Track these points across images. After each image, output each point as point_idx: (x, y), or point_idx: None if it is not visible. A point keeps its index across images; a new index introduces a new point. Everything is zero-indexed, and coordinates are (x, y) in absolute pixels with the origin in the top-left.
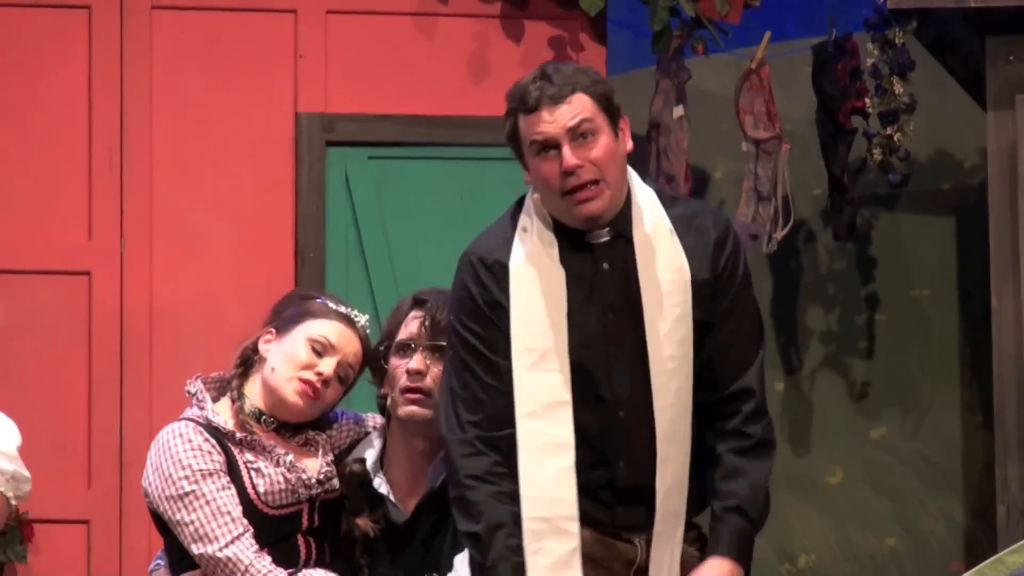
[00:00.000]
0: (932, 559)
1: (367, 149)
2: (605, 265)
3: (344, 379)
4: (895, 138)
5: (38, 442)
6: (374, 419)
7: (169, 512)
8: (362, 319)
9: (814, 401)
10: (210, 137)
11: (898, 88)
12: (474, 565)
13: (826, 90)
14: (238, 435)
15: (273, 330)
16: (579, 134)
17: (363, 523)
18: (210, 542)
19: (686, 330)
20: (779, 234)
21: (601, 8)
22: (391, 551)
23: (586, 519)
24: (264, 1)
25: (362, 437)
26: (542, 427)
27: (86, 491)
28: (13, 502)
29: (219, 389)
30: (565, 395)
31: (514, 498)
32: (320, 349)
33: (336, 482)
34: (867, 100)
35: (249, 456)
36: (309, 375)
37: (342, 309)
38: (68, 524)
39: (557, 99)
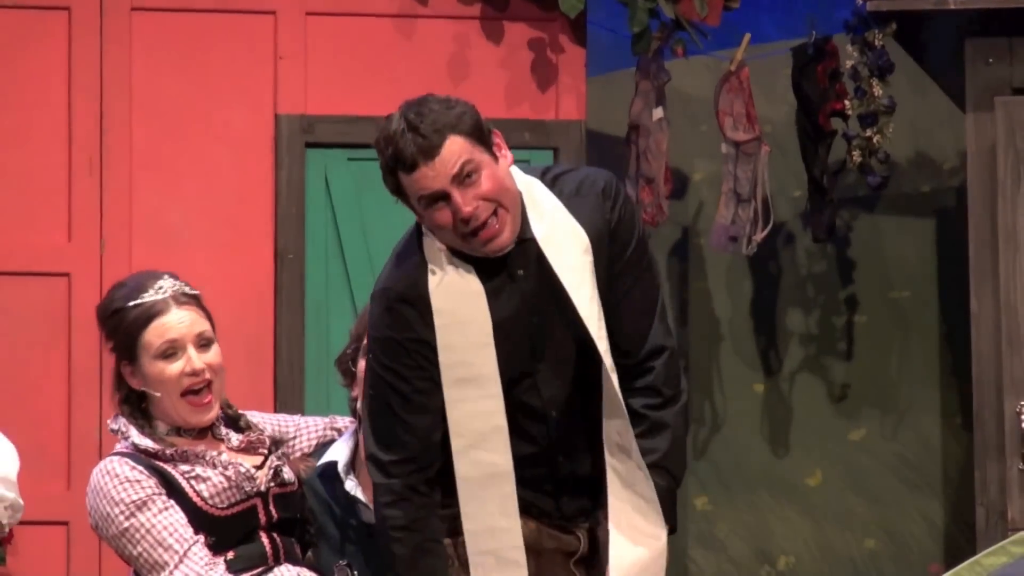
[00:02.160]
0: (911, 561)
1: (347, 151)
2: (520, 272)
3: (207, 340)
4: (874, 140)
5: (18, 444)
6: (344, 421)
7: (118, 549)
8: (163, 279)
9: (794, 403)
10: (190, 138)
11: (877, 90)
12: None
13: (806, 92)
14: (167, 451)
15: (127, 364)
16: (464, 176)
17: (300, 465)
18: (160, 569)
19: (599, 305)
20: (759, 236)
21: (581, 10)
22: (363, 552)
23: (533, 510)
24: (244, 3)
25: (328, 439)
26: (480, 457)
27: (66, 492)
28: (6, 529)
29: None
30: (501, 420)
31: (438, 539)
32: (171, 351)
33: (290, 475)
34: (847, 102)
35: (184, 467)
36: (189, 382)
37: (145, 298)
38: (48, 525)
39: (432, 152)
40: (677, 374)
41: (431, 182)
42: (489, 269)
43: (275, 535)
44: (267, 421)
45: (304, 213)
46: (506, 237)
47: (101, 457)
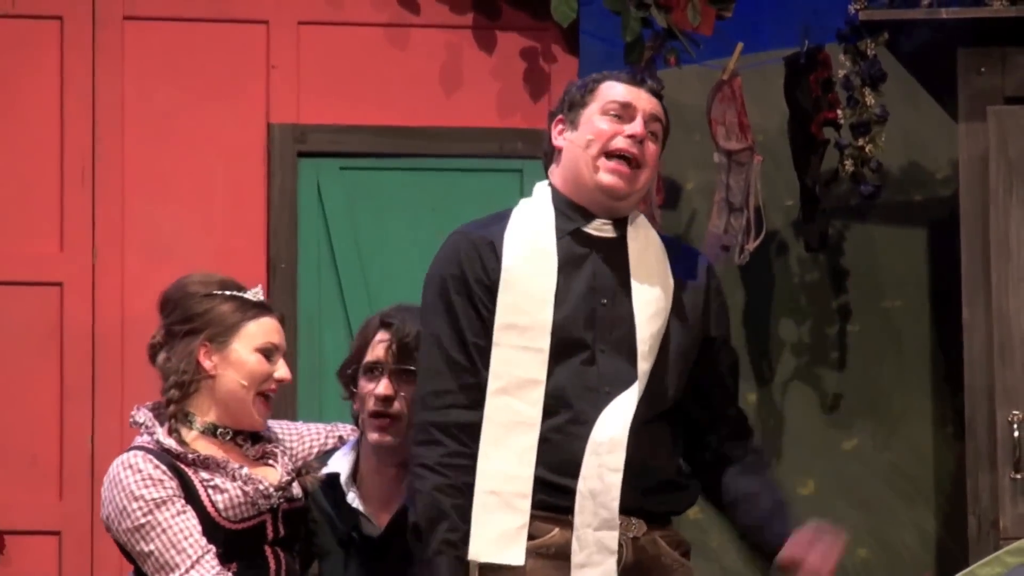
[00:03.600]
0: (904, 570)
1: (339, 160)
2: (600, 255)
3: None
4: (867, 149)
5: (10, 453)
6: (346, 429)
7: (129, 544)
8: (256, 288)
9: (786, 412)
10: (182, 148)
11: (870, 99)
12: (416, 555)
13: (798, 101)
14: (190, 456)
15: (208, 343)
16: (650, 128)
17: (308, 479)
18: (170, 571)
19: (662, 324)
20: (751, 245)
21: (573, 19)
22: (365, 565)
23: (564, 511)
24: (236, 12)
25: (330, 447)
26: (510, 403)
27: (58, 502)
28: None
29: (160, 414)
30: (540, 374)
31: (462, 491)
32: (269, 353)
33: (298, 491)
34: (839, 111)
35: (204, 475)
36: (270, 385)
37: (247, 296)
38: (40, 535)
39: (652, 91)
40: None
41: (635, 99)
42: (573, 241)
43: (279, 550)
44: (276, 427)
45: (296, 223)
46: (624, 184)
47: (93, 467)
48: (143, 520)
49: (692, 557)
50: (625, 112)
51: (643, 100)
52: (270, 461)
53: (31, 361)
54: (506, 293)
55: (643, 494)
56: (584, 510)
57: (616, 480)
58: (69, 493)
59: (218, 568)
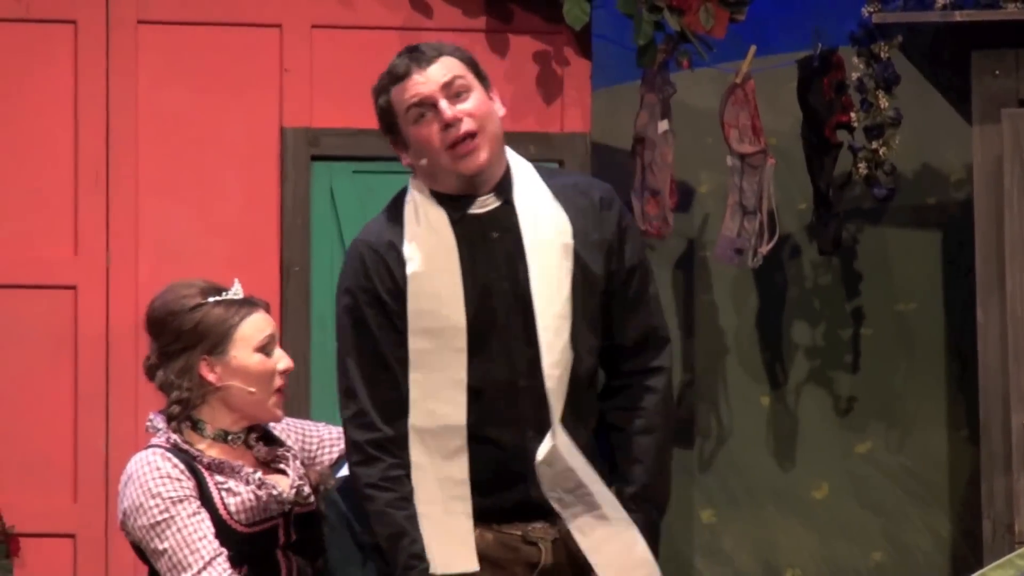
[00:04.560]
0: (918, 574)
1: (352, 163)
2: (495, 234)
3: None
4: (880, 152)
5: (24, 456)
6: None
7: (144, 541)
8: (235, 285)
9: (799, 416)
10: (196, 151)
11: (883, 102)
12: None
13: (811, 104)
14: (206, 459)
15: (206, 356)
16: (453, 91)
17: (318, 478)
18: (183, 570)
19: (568, 291)
20: (764, 249)
21: (586, 22)
22: (378, 566)
23: (493, 515)
24: (249, 16)
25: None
26: (435, 408)
27: (72, 505)
28: None
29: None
30: (461, 374)
31: (411, 500)
32: (268, 347)
33: (309, 494)
34: (852, 114)
35: (219, 477)
36: (281, 381)
37: (229, 296)
38: (54, 538)
39: (425, 61)
40: (670, 399)
41: (421, 87)
42: (466, 227)
43: (291, 554)
44: (294, 427)
45: (309, 226)
46: (483, 157)
47: (107, 470)
48: (160, 517)
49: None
50: (426, 106)
51: (430, 79)
52: (281, 466)
53: (45, 365)
54: (415, 299)
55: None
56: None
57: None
58: (83, 496)
59: (230, 571)
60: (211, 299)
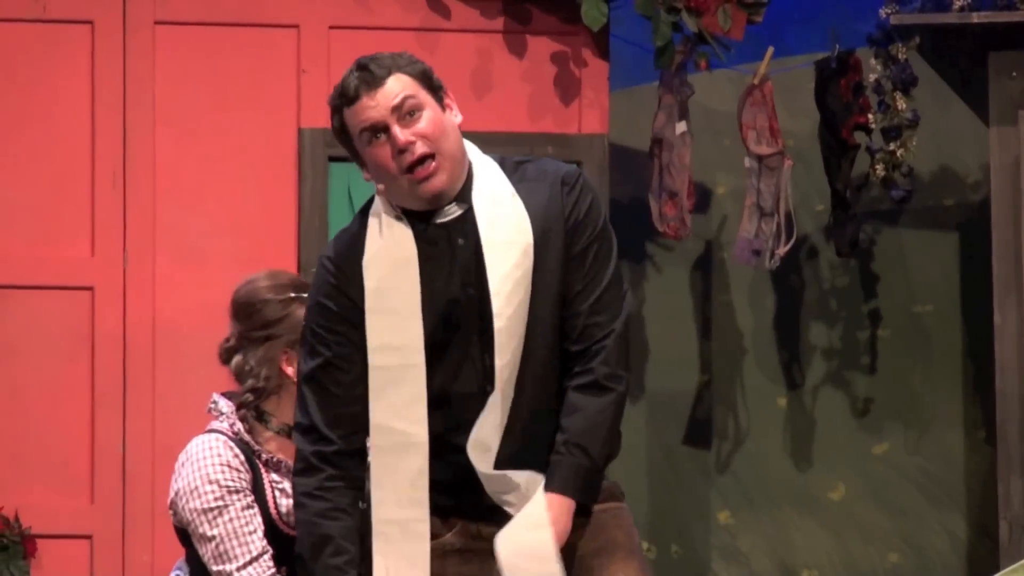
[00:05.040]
0: (934, 575)
1: None
2: (460, 241)
3: None
4: (898, 154)
5: (42, 457)
6: None
7: (194, 524)
8: None
9: (816, 417)
10: (213, 152)
11: (901, 104)
12: None
13: (829, 106)
14: (265, 455)
15: (289, 349)
16: (405, 112)
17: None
18: (228, 561)
19: (524, 292)
20: (782, 250)
21: (604, 24)
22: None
23: (451, 511)
24: (267, 16)
25: None
26: (395, 425)
27: (89, 506)
28: None
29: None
30: (420, 390)
31: (347, 511)
32: None
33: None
34: (870, 116)
35: (275, 476)
36: None
37: None
38: (71, 539)
39: (375, 83)
40: (617, 356)
41: (371, 111)
42: (430, 236)
43: None
44: None
45: (327, 227)
46: (442, 180)
47: (124, 471)
48: (215, 504)
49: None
50: (378, 130)
51: (379, 103)
52: None
53: (62, 365)
54: (373, 315)
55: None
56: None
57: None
58: (100, 497)
59: (273, 570)
60: (302, 294)
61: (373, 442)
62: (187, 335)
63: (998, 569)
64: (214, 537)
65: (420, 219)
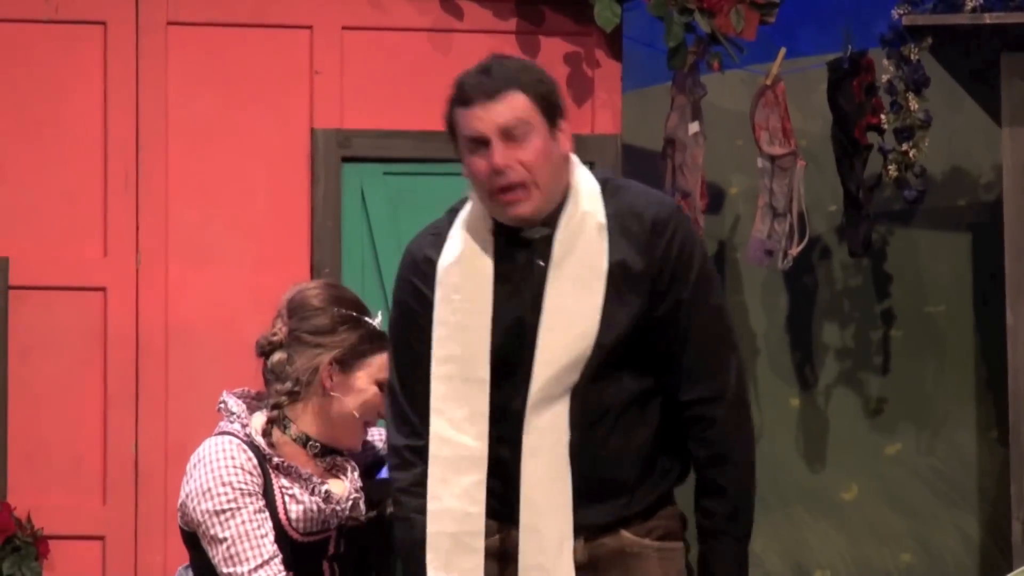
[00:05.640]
0: (947, 575)
1: (383, 165)
2: (540, 262)
3: None
4: (910, 154)
5: (54, 458)
6: None
7: (205, 526)
8: (381, 321)
9: (829, 417)
10: (226, 153)
11: (913, 104)
12: None
13: (841, 106)
14: (276, 460)
15: (334, 363)
16: (511, 134)
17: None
18: (240, 563)
19: (585, 325)
20: (794, 250)
21: (617, 24)
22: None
23: (512, 520)
24: (280, 17)
25: (385, 450)
26: (455, 438)
27: (101, 507)
28: None
29: (252, 406)
30: (483, 405)
31: None
32: (383, 387)
33: (363, 506)
34: (882, 116)
35: (285, 481)
36: (374, 418)
37: (381, 327)
38: (83, 540)
39: (492, 95)
40: (739, 427)
41: (479, 123)
42: (513, 252)
43: (336, 565)
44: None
45: (340, 228)
46: (527, 208)
47: (137, 472)
48: (228, 505)
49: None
50: (481, 144)
51: (490, 117)
52: (338, 474)
53: (75, 366)
54: (441, 326)
55: (584, 510)
56: (528, 543)
57: (558, 508)
58: (112, 498)
59: (284, 574)
60: (368, 319)
61: (432, 452)
62: (199, 335)
63: (1011, 569)
64: (225, 539)
65: (507, 231)
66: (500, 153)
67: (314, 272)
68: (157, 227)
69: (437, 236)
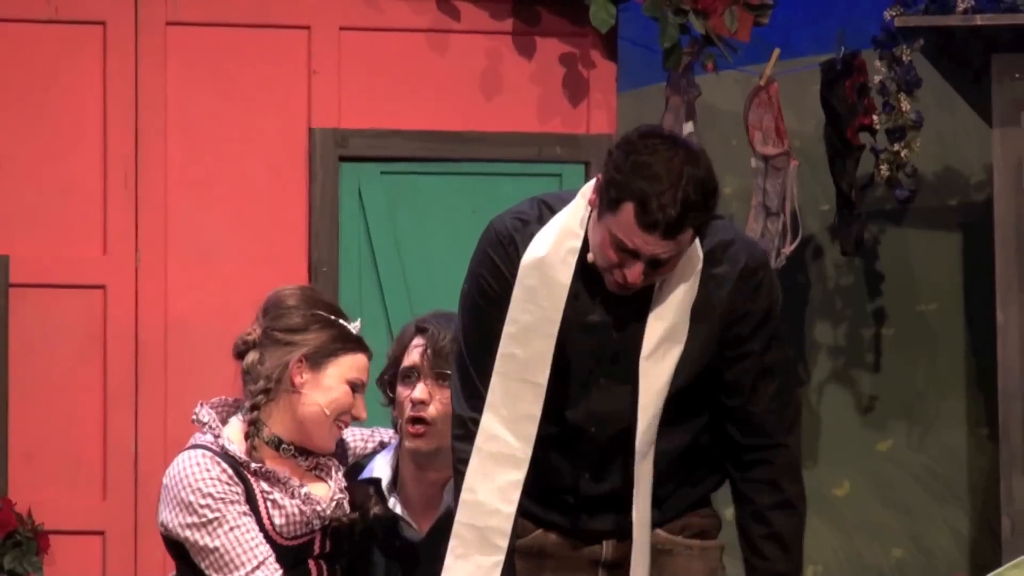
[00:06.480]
0: (938, 570)
1: (380, 164)
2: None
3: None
4: (902, 154)
5: (54, 454)
6: (386, 434)
7: (191, 540)
8: (356, 322)
9: (822, 414)
10: (224, 152)
11: (905, 105)
12: None
13: (834, 107)
14: (253, 465)
15: (304, 360)
16: (659, 261)
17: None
18: (233, 570)
19: (672, 365)
20: (787, 249)
21: (612, 25)
22: (405, 570)
23: (544, 524)
24: (278, 17)
25: (369, 451)
26: (502, 435)
27: (101, 502)
28: None
29: (227, 413)
30: (536, 409)
31: None
32: (356, 387)
33: (347, 507)
34: (874, 117)
35: (265, 486)
36: (345, 418)
37: (358, 332)
38: (84, 535)
39: (669, 234)
40: (797, 475)
41: (642, 246)
42: (591, 269)
43: (322, 563)
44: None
45: (338, 226)
46: (634, 289)
47: (136, 468)
48: (211, 516)
49: (726, 557)
50: (627, 254)
51: (652, 246)
52: (322, 475)
53: (74, 363)
54: (511, 324)
55: (618, 515)
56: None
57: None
58: (113, 494)
59: (280, 572)
60: (341, 321)
61: (477, 444)
62: (198, 333)
63: (1000, 564)
64: (216, 548)
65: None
66: (637, 273)
67: (312, 270)
68: (156, 225)
69: (524, 223)
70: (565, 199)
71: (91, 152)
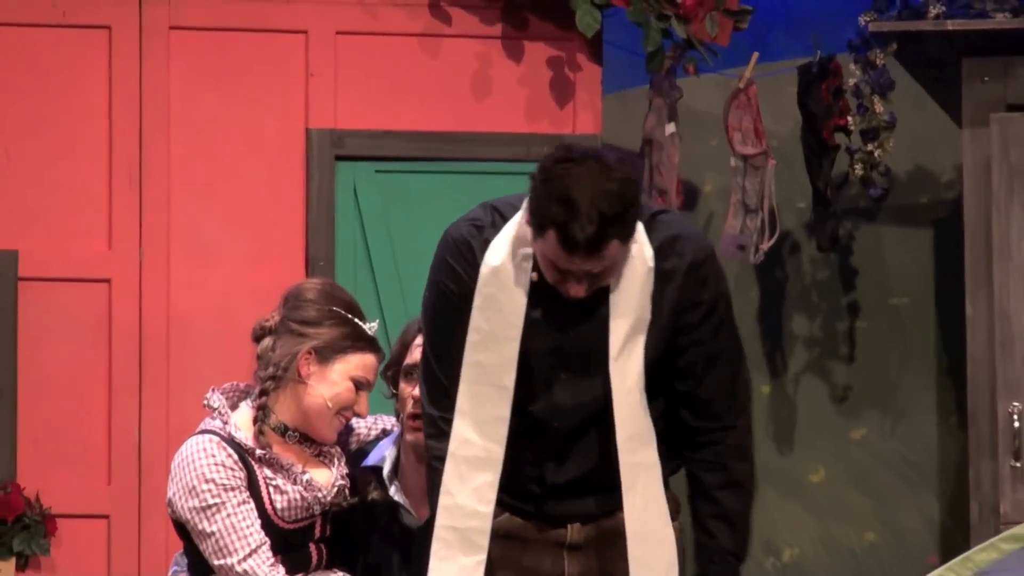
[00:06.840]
0: (909, 553)
1: (375, 164)
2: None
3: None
4: (876, 154)
5: (61, 441)
6: (388, 421)
7: (192, 522)
8: (375, 323)
9: (798, 403)
10: (225, 151)
11: (879, 107)
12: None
13: (810, 108)
14: (258, 452)
15: (313, 352)
16: (597, 276)
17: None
18: (229, 555)
19: (640, 349)
20: (765, 245)
21: (597, 30)
22: (404, 556)
23: (512, 509)
24: (277, 22)
25: (372, 438)
26: (474, 439)
27: (106, 487)
28: None
29: (237, 398)
30: (505, 411)
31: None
32: (361, 385)
33: (347, 493)
34: (849, 118)
35: (268, 472)
36: (348, 413)
37: (373, 333)
38: (89, 519)
39: (592, 251)
40: (747, 455)
41: (572, 266)
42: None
43: (323, 546)
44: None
45: (334, 224)
46: (583, 295)
47: (140, 455)
48: (212, 501)
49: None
50: (565, 274)
51: (581, 265)
52: (326, 461)
53: (80, 354)
54: (474, 332)
55: (583, 499)
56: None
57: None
58: (117, 479)
59: (272, 561)
60: (357, 320)
61: (450, 450)
62: (199, 325)
63: (969, 547)
64: (213, 533)
65: None
66: (576, 286)
67: (309, 265)
68: (159, 222)
69: (479, 229)
70: (516, 205)
71: (97, 151)
